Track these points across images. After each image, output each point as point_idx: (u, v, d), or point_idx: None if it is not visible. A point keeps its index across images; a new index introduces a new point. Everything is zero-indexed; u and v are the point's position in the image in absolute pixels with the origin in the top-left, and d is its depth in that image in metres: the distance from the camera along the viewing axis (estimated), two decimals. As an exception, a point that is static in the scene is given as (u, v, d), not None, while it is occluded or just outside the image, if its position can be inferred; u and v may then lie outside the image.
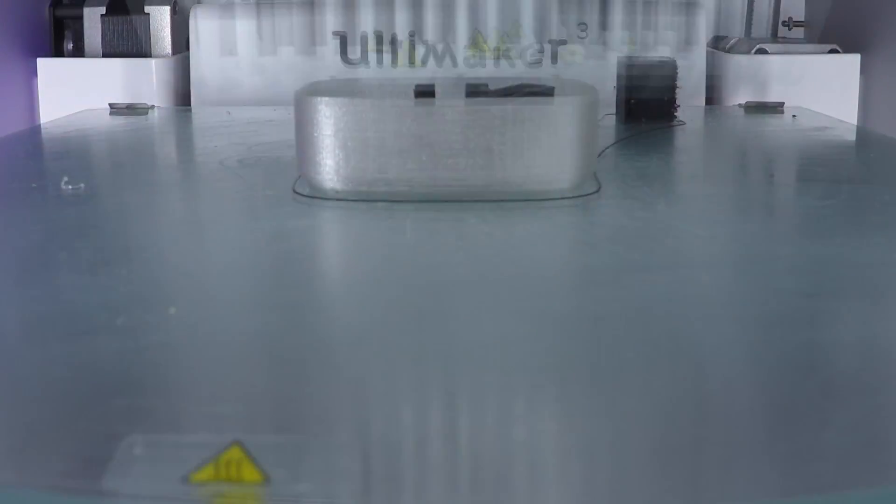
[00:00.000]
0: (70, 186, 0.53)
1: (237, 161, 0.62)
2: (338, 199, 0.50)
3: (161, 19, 0.93)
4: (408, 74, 0.88)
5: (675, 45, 0.90)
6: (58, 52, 0.96)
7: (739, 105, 0.87)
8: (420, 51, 0.89)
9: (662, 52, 0.88)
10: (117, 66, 0.91)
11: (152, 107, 0.87)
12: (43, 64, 0.92)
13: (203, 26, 0.92)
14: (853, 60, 0.91)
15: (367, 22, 0.90)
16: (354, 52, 0.90)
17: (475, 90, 0.51)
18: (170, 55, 0.93)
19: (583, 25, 0.89)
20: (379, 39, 0.90)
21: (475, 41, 0.88)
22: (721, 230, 0.47)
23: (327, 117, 0.49)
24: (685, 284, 0.38)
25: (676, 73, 0.76)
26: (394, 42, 0.90)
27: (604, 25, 0.89)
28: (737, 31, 1.02)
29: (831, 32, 0.96)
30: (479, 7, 0.90)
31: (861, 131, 0.80)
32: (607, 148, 0.65)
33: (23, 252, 0.44)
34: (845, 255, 0.42)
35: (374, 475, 0.24)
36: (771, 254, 0.43)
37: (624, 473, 0.24)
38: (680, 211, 0.51)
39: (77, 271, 0.40)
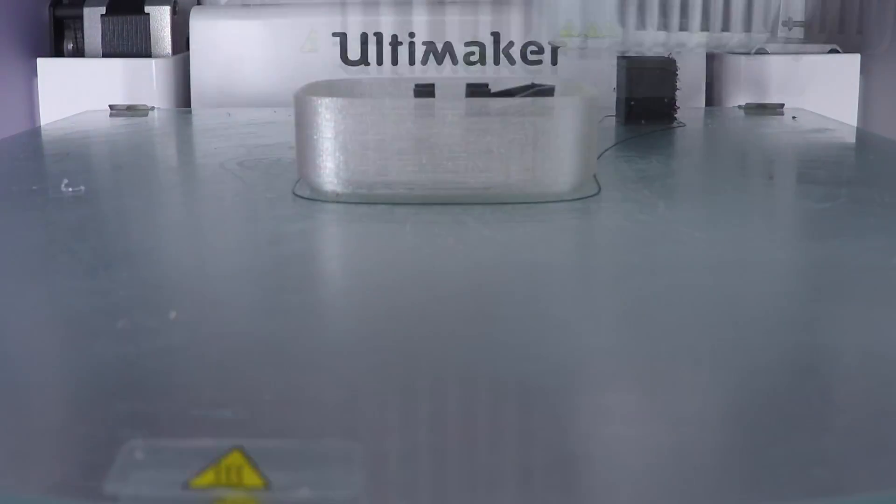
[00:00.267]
0: (70, 189, 0.53)
1: (237, 163, 0.62)
2: (338, 202, 0.50)
3: (161, 19, 0.93)
4: (407, 75, 0.88)
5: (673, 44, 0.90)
6: (58, 52, 0.96)
7: (739, 106, 0.87)
8: (420, 51, 0.90)
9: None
10: (117, 67, 0.91)
11: (152, 108, 0.87)
12: (43, 64, 0.92)
13: (203, 28, 0.92)
14: (853, 60, 0.91)
15: (366, 23, 0.90)
16: (354, 53, 0.90)
17: (475, 91, 0.51)
18: (170, 55, 0.93)
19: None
20: (378, 40, 0.90)
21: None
22: (721, 234, 0.47)
23: (327, 119, 0.49)
24: (684, 288, 0.38)
25: (677, 74, 0.76)
26: (393, 42, 0.90)
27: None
28: (737, 31, 1.02)
29: (831, 32, 0.96)
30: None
31: (861, 133, 0.80)
32: (607, 150, 0.65)
33: (23, 254, 0.44)
34: (846, 258, 0.42)
35: (373, 481, 0.24)
36: (770, 257, 0.43)
37: (620, 481, 0.24)
38: (680, 214, 0.51)
39: (77, 274, 0.40)
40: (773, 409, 0.27)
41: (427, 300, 0.37)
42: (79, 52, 0.95)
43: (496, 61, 0.89)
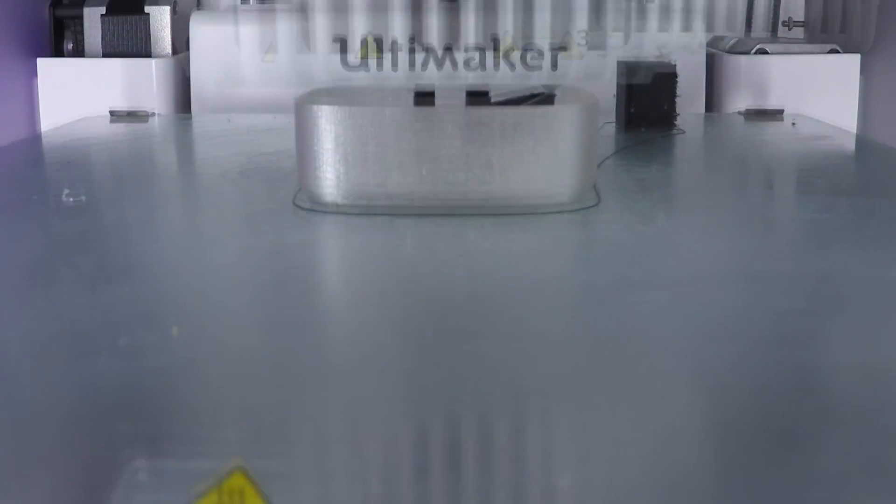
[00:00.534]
0: (72, 198, 0.54)
1: (238, 172, 0.62)
2: (338, 213, 0.50)
3: (161, 19, 0.93)
4: (408, 80, 0.88)
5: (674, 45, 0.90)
6: (58, 53, 0.96)
7: (739, 112, 0.87)
8: (420, 56, 0.89)
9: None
10: (117, 67, 0.91)
11: (153, 113, 0.87)
12: (43, 64, 0.92)
13: (203, 32, 0.92)
14: (853, 61, 0.91)
15: (367, 26, 0.90)
16: (354, 57, 0.90)
17: (475, 99, 0.51)
18: (170, 55, 0.93)
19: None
20: (379, 44, 0.90)
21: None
22: (721, 245, 0.47)
23: (328, 131, 0.49)
24: (682, 302, 0.38)
25: (676, 80, 0.76)
26: (394, 47, 0.90)
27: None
28: (737, 30, 1.02)
29: (831, 32, 0.96)
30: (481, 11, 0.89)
31: (860, 140, 0.80)
32: (606, 158, 0.65)
33: (25, 266, 0.44)
34: (846, 271, 0.42)
35: (376, 499, 0.24)
36: (771, 269, 0.43)
37: (615, 502, 0.24)
38: (679, 225, 0.52)
39: (78, 287, 0.40)
40: (771, 428, 0.28)
41: (427, 314, 0.37)
42: (79, 52, 0.95)
43: (496, 66, 0.89)
